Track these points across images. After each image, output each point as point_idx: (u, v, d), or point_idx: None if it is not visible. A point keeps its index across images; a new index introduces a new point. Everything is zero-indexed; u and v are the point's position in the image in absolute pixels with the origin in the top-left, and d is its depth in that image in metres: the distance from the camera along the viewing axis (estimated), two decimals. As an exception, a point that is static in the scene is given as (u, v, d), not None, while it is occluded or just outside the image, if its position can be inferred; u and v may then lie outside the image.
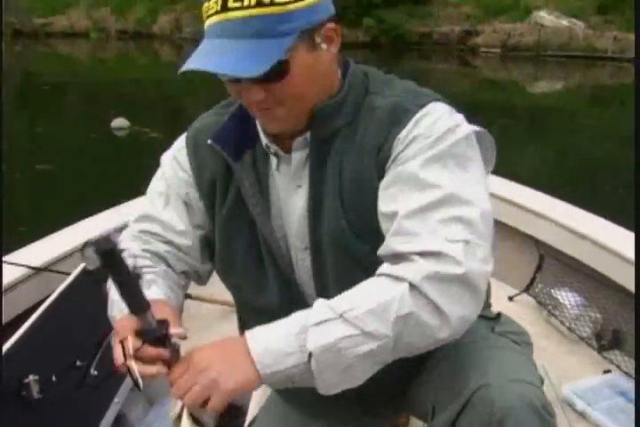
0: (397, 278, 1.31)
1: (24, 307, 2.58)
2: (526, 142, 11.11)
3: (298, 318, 1.33)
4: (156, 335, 1.37)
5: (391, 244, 1.39)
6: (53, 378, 2.10)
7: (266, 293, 1.66)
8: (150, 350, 1.37)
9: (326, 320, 1.29)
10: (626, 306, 2.81)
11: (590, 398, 2.52)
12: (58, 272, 2.73)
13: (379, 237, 1.44)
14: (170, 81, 18.43)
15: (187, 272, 1.72)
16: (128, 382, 2.51)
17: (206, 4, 1.39)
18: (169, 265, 1.68)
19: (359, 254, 1.52)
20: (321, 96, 1.50)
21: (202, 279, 1.77)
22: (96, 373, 2.24)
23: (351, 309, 1.29)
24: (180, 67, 1.38)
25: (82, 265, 2.52)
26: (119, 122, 11.19)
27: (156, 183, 1.73)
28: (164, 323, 1.38)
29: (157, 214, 1.69)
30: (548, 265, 3.24)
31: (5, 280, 2.61)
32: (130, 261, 1.40)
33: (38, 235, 3.05)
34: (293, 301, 1.61)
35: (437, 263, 1.30)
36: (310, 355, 1.29)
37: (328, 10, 1.44)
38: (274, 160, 1.60)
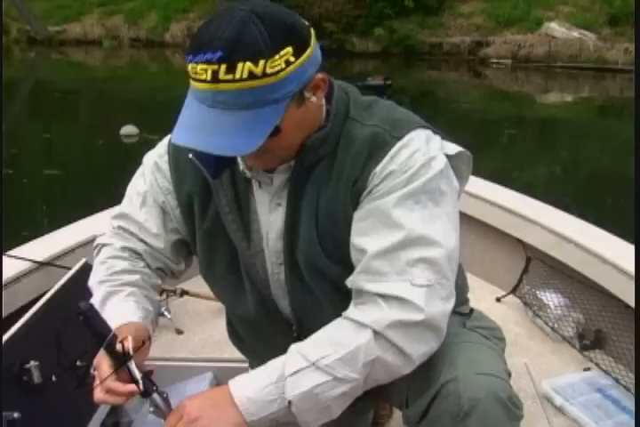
0: (363, 325, 1.42)
1: (26, 300, 2.63)
2: (536, 154, 11.02)
3: (275, 367, 1.45)
4: (145, 390, 1.52)
5: (359, 280, 1.48)
6: (53, 378, 2.10)
7: (243, 304, 1.77)
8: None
9: (300, 370, 1.41)
10: (608, 307, 2.90)
11: (568, 394, 2.61)
12: (60, 267, 2.79)
13: (347, 261, 1.53)
14: (180, 89, 18.45)
15: (162, 269, 1.82)
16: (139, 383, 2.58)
17: (192, 66, 1.35)
18: (146, 263, 1.78)
19: (332, 275, 1.59)
20: (310, 133, 1.51)
21: (175, 276, 1.89)
22: (96, 373, 2.37)
23: (323, 357, 1.41)
24: (176, 131, 1.40)
25: (83, 260, 2.59)
26: (128, 129, 11.19)
27: (136, 182, 1.79)
28: (149, 375, 1.56)
29: (134, 214, 1.76)
30: (535, 267, 3.32)
31: (9, 273, 2.67)
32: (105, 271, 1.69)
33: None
34: (269, 312, 1.74)
35: (400, 310, 1.41)
36: (290, 402, 1.41)
37: (316, 61, 1.42)
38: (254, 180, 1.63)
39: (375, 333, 1.40)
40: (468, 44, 23.48)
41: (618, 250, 2.81)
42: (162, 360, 2.81)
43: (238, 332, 1.96)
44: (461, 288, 1.76)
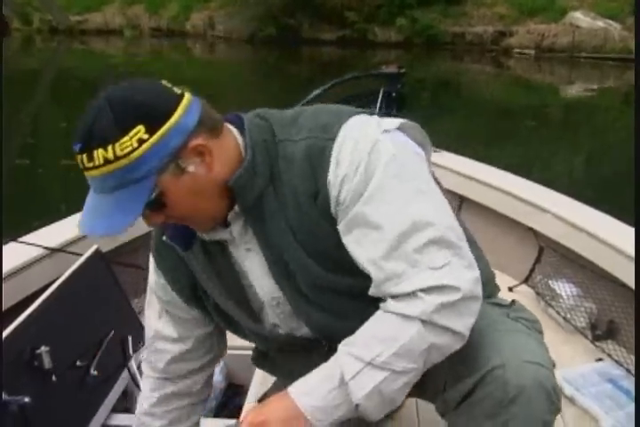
0: (407, 317, 1.41)
1: (38, 286, 2.64)
2: (558, 144, 10.97)
3: (333, 371, 1.46)
4: None
5: (383, 289, 1.45)
6: (53, 378, 2.15)
7: (271, 343, 1.81)
8: None
9: (359, 371, 1.42)
10: (620, 297, 2.87)
11: (580, 384, 2.59)
12: (71, 253, 2.80)
13: (353, 268, 1.50)
14: (200, 79, 18.53)
15: (209, 358, 1.98)
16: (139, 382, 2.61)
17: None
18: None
19: (343, 287, 1.57)
20: (225, 178, 1.48)
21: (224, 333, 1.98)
22: (96, 373, 2.38)
23: (378, 355, 1.41)
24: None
25: (94, 246, 2.61)
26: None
27: (149, 280, 1.86)
28: None
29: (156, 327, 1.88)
30: (547, 257, 3.29)
31: (21, 260, 2.69)
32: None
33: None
34: (296, 342, 1.75)
35: (438, 295, 1.40)
36: (357, 404, 1.44)
37: (184, 130, 1.40)
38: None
39: (423, 322, 1.40)
40: (491, 33, 23.37)
41: (631, 240, 2.75)
42: None
43: (272, 358, 1.97)
44: (487, 275, 1.76)
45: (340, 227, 1.48)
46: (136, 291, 2.94)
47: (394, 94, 4.01)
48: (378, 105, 3.93)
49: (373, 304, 1.49)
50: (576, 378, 2.62)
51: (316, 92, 3.87)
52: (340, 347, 1.48)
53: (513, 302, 1.79)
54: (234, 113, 1.58)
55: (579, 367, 2.71)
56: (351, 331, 1.48)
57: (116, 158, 1.36)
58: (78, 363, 2.34)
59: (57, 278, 2.38)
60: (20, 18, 29.21)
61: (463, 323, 1.43)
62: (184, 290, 1.75)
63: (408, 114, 3.43)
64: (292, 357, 1.82)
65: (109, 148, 1.36)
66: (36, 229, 3.02)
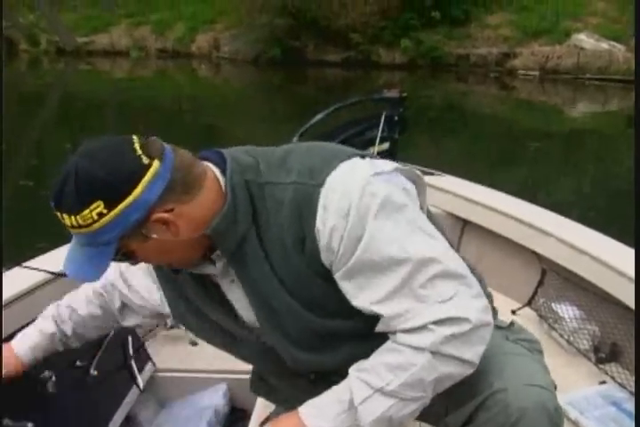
0: (418, 349, 1.43)
1: (42, 311, 2.58)
2: (563, 167, 10.93)
3: (342, 395, 1.49)
4: None
5: (394, 325, 1.46)
6: (53, 378, 2.14)
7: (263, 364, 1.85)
8: None
9: (368, 397, 1.45)
10: (623, 320, 2.86)
11: (583, 407, 2.57)
12: None
13: (345, 312, 1.52)
14: (206, 99, 18.57)
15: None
16: (139, 382, 2.63)
17: None
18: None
19: (333, 328, 1.59)
20: (202, 228, 1.49)
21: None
22: (96, 373, 2.38)
23: (387, 384, 1.44)
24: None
25: None
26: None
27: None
28: None
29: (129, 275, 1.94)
30: (550, 280, 3.29)
31: (25, 284, 2.65)
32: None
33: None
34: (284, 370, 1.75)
35: (449, 327, 1.42)
36: None
37: (143, 206, 1.42)
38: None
39: (433, 353, 1.42)
40: (496, 55, 23.35)
41: (633, 262, 2.74)
42: (177, 372, 2.88)
43: (268, 382, 1.98)
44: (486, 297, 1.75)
45: (339, 275, 1.47)
46: None
47: (396, 118, 4.01)
48: (380, 129, 3.93)
49: (365, 341, 1.53)
50: (579, 401, 2.60)
51: (319, 116, 3.89)
52: (351, 371, 1.50)
53: (512, 323, 1.81)
54: (214, 150, 1.57)
55: (582, 390, 2.70)
56: (338, 366, 1.55)
57: (79, 226, 1.44)
58: (78, 363, 2.35)
59: None
60: (28, 39, 29.33)
61: (473, 351, 1.45)
62: (179, 305, 1.77)
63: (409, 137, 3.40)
64: (284, 380, 1.85)
65: (72, 217, 1.43)
66: (40, 251, 3.00)
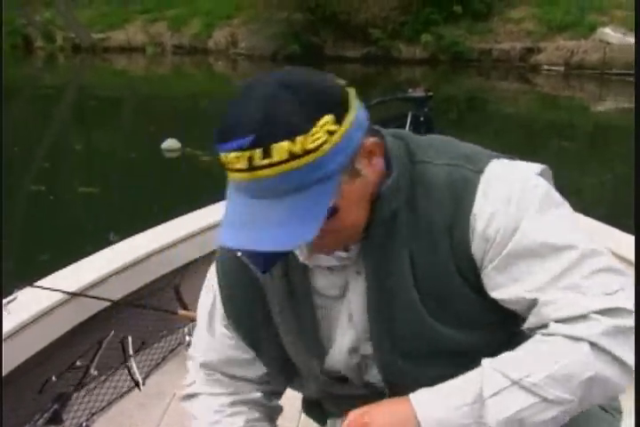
0: (574, 338, 1.25)
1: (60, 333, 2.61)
2: (588, 164, 10.87)
3: (469, 385, 1.29)
4: None
5: (546, 313, 1.30)
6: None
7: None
8: None
9: (502, 390, 1.25)
10: None
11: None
12: (93, 297, 2.68)
13: (461, 320, 1.39)
14: (222, 95, 18.40)
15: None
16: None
17: (224, 155, 1.22)
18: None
19: (440, 338, 1.41)
20: (375, 185, 1.34)
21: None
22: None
23: (528, 375, 1.24)
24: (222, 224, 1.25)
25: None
26: (170, 143, 10.89)
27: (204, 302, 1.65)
28: None
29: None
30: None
31: (43, 305, 2.57)
32: None
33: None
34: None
35: (614, 318, 1.25)
36: None
37: (362, 125, 1.27)
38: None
39: (592, 344, 1.24)
40: (519, 50, 23.21)
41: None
42: None
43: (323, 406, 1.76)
44: None
45: (490, 266, 1.34)
46: None
47: (422, 118, 3.92)
48: (407, 129, 3.78)
49: (460, 362, 1.35)
50: None
51: None
52: (486, 362, 1.30)
53: None
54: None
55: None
56: (429, 378, 1.35)
57: (305, 152, 1.18)
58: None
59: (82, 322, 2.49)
60: (44, 36, 29.49)
61: (631, 357, 1.26)
62: (236, 317, 1.55)
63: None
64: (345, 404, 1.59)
65: (298, 140, 1.17)
66: (51, 268, 2.91)
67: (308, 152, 1.18)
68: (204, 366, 1.62)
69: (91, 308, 2.59)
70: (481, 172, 1.36)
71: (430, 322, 1.39)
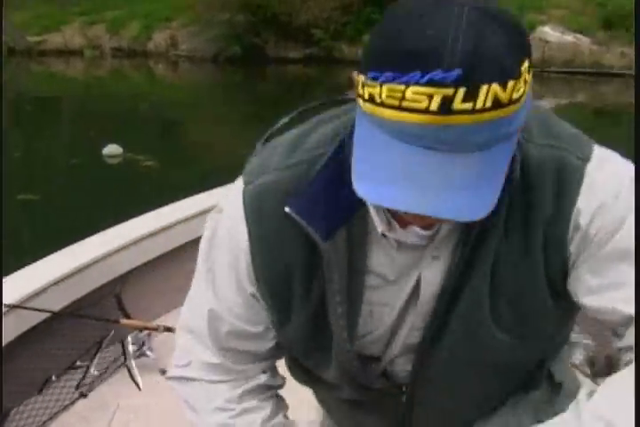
0: None
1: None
2: None
3: None
4: None
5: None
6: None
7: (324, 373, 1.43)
8: None
9: None
10: None
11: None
12: (33, 309, 2.62)
13: (523, 327, 1.25)
14: (165, 100, 18.30)
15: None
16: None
17: (395, 87, 0.93)
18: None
19: (493, 345, 1.27)
20: None
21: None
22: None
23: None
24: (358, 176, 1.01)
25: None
26: (111, 149, 10.70)
27: (213, 258, 1.34)
28: None
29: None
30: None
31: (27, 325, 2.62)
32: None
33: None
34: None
35: None
36: None
37: None
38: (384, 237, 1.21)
39: None
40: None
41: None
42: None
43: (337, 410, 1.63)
44: None
45: (584, 266, 1.18)
46: None
47: None
48: None
49: (511, 371, 1.33)
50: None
51: (284, 120, 3.57)
52: (583, 406, 1.15)
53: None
54: None
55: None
56: (456, 379, 1.31)
57: (510, 102, 0.95)
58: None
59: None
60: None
61: None
62: (273, 280, 1.28)
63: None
64: (359, 407, 1.51)
65: (509, 85, 0.94)
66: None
67: (511, 102, 0.96)
68: (202, 338, 1.38)
69: (30, 320, 2.54)
70: (587, 160, 1.17)
71: (488, 324, 1.24)
